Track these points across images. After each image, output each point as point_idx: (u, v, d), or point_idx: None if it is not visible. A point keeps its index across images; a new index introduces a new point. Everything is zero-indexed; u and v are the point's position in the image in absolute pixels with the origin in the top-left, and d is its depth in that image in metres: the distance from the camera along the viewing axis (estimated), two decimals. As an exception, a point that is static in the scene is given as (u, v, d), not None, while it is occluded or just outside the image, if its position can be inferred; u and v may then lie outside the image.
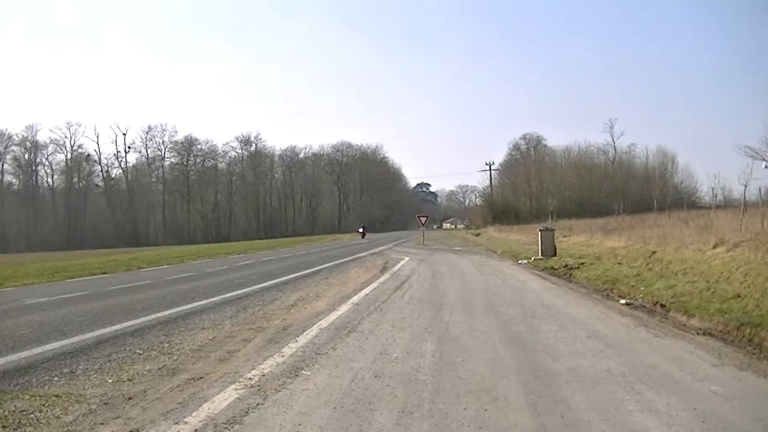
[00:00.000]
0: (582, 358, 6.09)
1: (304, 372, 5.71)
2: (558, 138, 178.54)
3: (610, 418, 4.23)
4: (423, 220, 42.83)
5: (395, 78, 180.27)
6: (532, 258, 20.54)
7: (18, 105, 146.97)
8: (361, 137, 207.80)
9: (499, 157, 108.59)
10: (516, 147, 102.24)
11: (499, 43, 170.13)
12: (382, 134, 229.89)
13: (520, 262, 20.63)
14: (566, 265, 16.76)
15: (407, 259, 23.51)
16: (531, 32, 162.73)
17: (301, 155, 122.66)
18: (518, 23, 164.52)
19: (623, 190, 71.51)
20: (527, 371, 5.59)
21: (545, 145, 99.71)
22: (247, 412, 4.52)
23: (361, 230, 67.10)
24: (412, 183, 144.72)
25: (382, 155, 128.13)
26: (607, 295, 11.45)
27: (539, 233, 21.54)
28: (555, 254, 20.34)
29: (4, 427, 4.42)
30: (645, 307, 9.68)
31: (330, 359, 6.25)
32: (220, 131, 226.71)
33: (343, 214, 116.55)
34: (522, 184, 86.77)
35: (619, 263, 15.51)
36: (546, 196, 68.88)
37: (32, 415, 4.67)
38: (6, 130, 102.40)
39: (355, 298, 11.27)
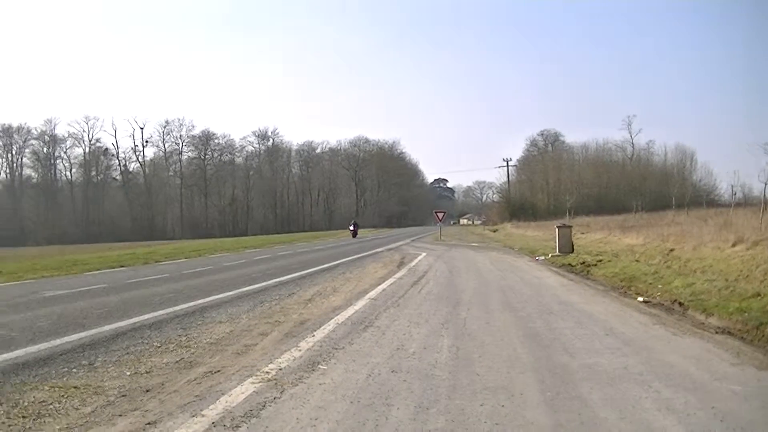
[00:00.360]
0: (599, 355, 6.04)
1: (321, 366, 5.72)
2: (576, 135, 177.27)
3: (627, 416, 4.20)
4: (440, 216, 42.94)
5: (413, 75, 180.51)
6: (550, 255, 20.44)
7: (37, 99, 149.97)
8: (377, 134, 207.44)
9: (516, 154, 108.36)
10: (533, 143, 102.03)
11: (515, 41, 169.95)
12: (400, 131, 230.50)
13: (537, 258, 20.54)
14: (583, 262, 16.66)
15: (424, 254, 23.48)
16: (546, 28, 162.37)
17: (318, 150, 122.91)
18: (531, 22, 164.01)
19: (641, 188, 71.02)
20: (544, 368, 5.57)
21: (563, 142, 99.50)
22: (264, 406, 4.53)
23: (351, 228, 51.91)
24: (430, 179, 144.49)
25: (399, 150, 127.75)
26: (625, 292, 11.35)
27: (557, 230, 21.47)
28: (572, 251, 20.23)
29: (24, 417, 4.48)
30: (663, 305, 9.59)
31: (347, 354, 6.26)
32: (237, 126, 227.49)
33: (360, 210, 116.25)
34: (539, 180, 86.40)
35: (637, 261, 15.38)
36: (563, 193, 68.60)
37: (51, 406, 4.73)
38: (25, 124, 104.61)
39: (372, 293, 11.28)
